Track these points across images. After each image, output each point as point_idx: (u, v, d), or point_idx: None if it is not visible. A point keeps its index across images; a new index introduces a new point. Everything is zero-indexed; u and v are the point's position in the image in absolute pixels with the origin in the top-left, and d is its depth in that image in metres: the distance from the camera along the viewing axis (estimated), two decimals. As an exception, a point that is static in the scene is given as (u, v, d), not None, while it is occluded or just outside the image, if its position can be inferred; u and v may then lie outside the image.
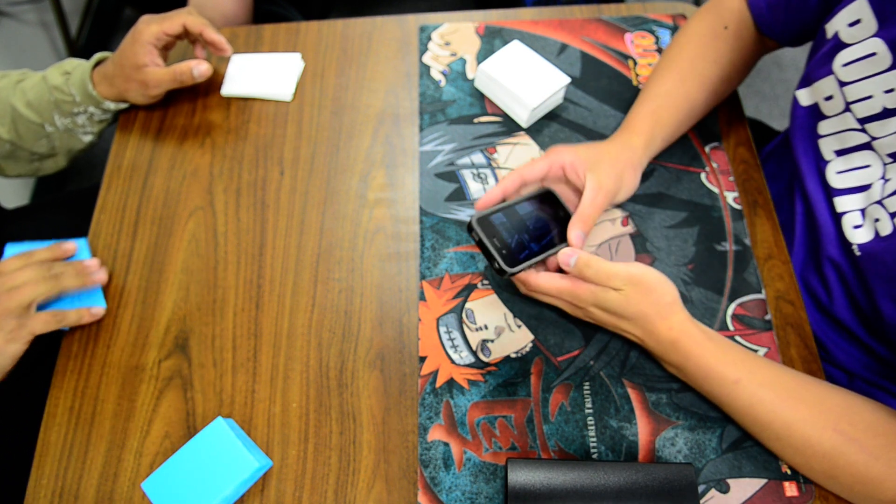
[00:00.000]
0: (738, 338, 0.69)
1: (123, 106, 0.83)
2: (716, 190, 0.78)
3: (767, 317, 0.70)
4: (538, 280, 0.63)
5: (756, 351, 0.68)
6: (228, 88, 0.88)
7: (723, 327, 0.70)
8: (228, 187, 0.81)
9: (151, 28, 0.77)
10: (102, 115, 0.83)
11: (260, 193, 0.81)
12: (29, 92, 0.79)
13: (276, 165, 0.82)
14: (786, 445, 0.59)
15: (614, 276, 0.60)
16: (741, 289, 0.72)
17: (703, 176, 0.79)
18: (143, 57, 0.77)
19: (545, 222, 0.66)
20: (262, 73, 0.88)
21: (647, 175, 0.79)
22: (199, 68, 0.80)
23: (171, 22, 0.78)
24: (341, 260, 0.76)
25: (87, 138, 0.84)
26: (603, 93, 0.85)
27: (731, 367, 0.60)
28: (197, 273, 0.75)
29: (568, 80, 0.82)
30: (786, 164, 0.81)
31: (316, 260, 0.76)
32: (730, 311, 0.71)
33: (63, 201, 1.01)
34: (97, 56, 0.82)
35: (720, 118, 0.84)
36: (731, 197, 0.77)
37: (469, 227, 0.61)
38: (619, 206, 0.77)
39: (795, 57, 1.86)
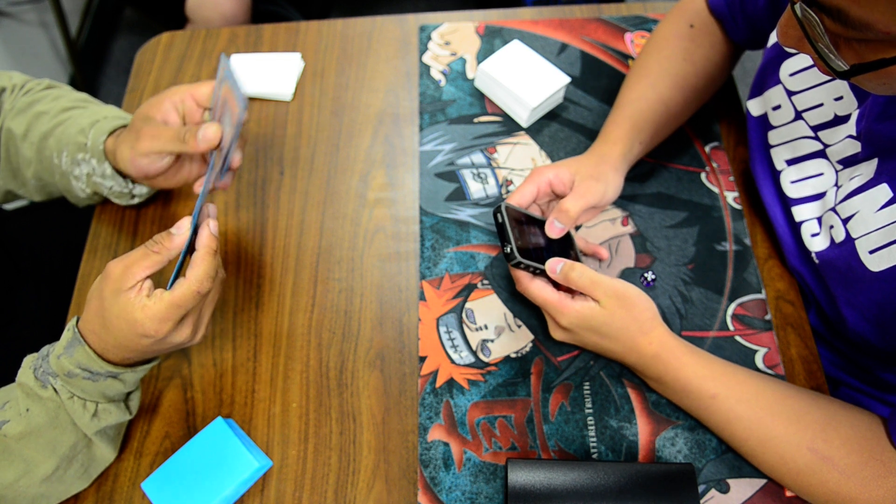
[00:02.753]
0: (738, 338, 0.69)
1: (108, 173, 0.70)
2: (716, 190, 0.78)
3: (767, 317, 0.70)
4: (530, 284, 0.63)
5: (755, 351, 0.68)
6: (228, 88, 0.88)
7: (723, 327, 0.70)
8: (228, 187, 0.81)
9: (180, 88, 0.67)
10: (100, 174, 0.71)
11: (260, 193, 0.81)
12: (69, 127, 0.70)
13: (276, 165, 0.82)
14: (762, 461, 0.59)
15: (599, 283, 0.61)
16: (741, 289, 0.72)
17: (703, 176, 0.79)
18: (157, 112, 0.66)
19: (557, 246, 0.67)
20: (262, 73, 0.88)
21: (647, 175, 0.79)
22: (206, 130, 0.62)
23: (201, 86, 0.67)
24: (341, 260, 0.76)
25: (80, 193, 0.74)
26: (603, 93, 0.85)
27: (709, 381, 0.60)
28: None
29: (568, 79, 0.82)
30: None
31: (316, 260, 0.76)
32: (730, 311, 0.70)
33: (63, 201, 1.01)
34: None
35: (720, 118, 0.84)
36: (731, 197, 0.77)
37: (497, 209, 0.62)
38: (619, 206, 0.77)
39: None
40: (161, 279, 0.56)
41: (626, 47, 0.89)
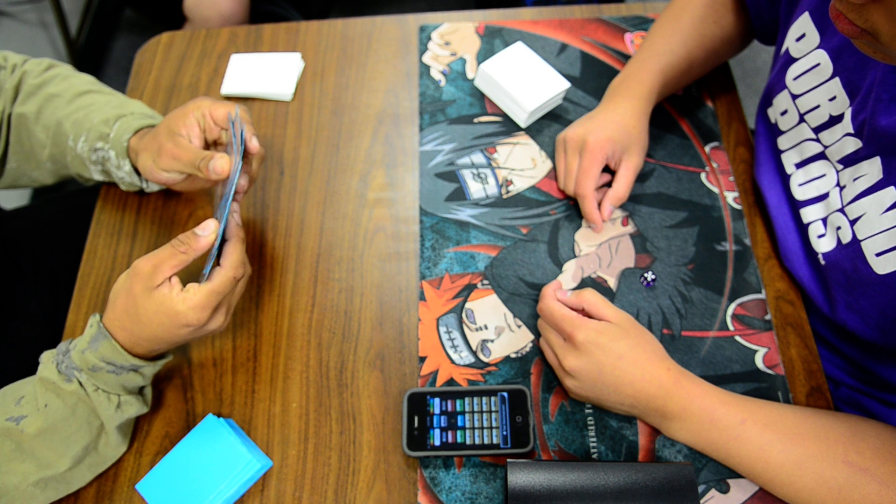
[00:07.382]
0: (738, 338, 0.69)
1: (126, 169, 0.73)
2: (716, 190, 0.78)
3: (767, 317, 0.70)
4: (548, 302, 0.65)
5: (755, 351, 0.68)
6: (228, 88, 0.88)
7: (723, 327, 0.70)
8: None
9: (203, 103, 0.69)
10: (115, 164, 0.73)
11: (260, 193, 0.81)
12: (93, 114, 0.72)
13: (276, 165, 0.82)
14: (799, 487, 0.57)
15: (611, 305, 0.63)
16: (741, 289, 0.72)
17: (703, 176, 0.79)
18: (181, 127, 0.68)
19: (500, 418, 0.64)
20: (262, 73, 0.88)
21: (646, 175, 0.79)
22: (216, 162, 0.63)
23: (219, 107, 0.68)
24: (341, 260, 0.76)
25: (96, 176, 0.76)
26: (603, 93, 0.85)
27: (734, 407, 0.59)
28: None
29: (567, 84, 0.82)
30: None
31: (316, 260, 0.76)
32: (730, 311, 0.70)
33: (63, 201, 1.01)
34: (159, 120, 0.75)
35: (720, 118, 0.84)
36: (731, 197, 0.77)
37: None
38: (620, 206, 0.77)
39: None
40: (184, 274, 0.60)
41: (625, 47, 0.89)
